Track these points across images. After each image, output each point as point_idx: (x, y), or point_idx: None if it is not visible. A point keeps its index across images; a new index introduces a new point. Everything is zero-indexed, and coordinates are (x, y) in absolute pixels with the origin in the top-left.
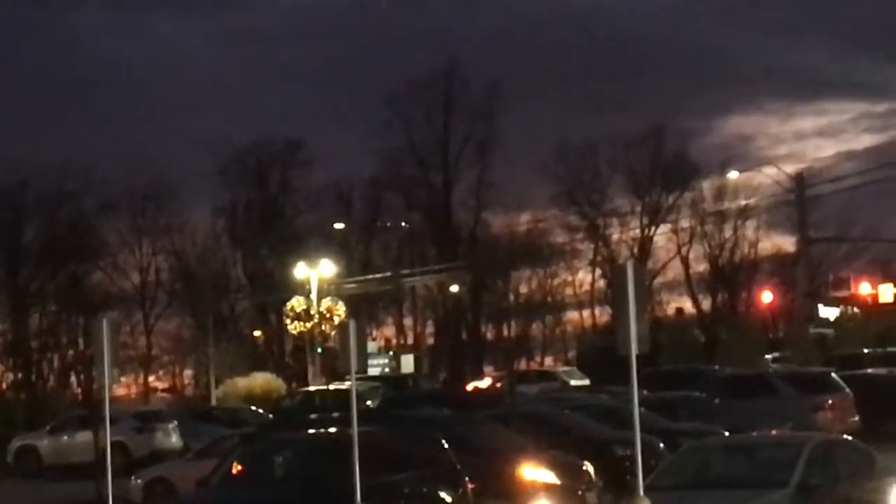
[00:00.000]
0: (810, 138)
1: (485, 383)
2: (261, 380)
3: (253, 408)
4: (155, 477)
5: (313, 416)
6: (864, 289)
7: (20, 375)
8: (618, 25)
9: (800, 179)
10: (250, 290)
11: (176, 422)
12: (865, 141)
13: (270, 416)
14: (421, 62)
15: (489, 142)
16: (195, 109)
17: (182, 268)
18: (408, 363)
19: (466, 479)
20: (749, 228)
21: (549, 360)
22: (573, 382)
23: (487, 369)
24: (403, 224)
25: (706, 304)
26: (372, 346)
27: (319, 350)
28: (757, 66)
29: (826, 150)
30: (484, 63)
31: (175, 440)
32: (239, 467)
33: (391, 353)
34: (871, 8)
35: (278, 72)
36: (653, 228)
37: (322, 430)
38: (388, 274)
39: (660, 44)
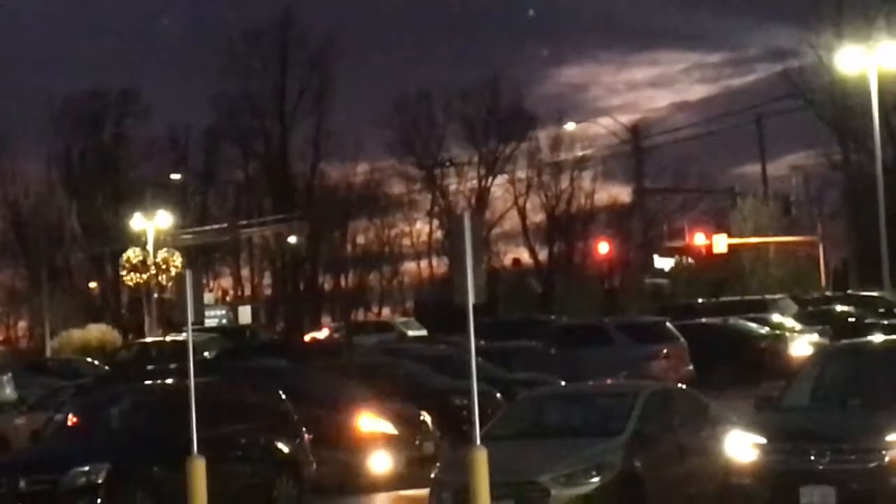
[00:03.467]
0: (644, 89)
1: (322, 334)
2: (96, 331)
3: (89, 360)
4: None
5: (150, 367)
6: (699, 239)
7: None
8: None
9: (635, 130)
10: (85, 241)
11: (10, 374)
12: (698, 92)
13: (107, 367)
14: (257, 11)
15: (326, 92)
16: (29, 61)
17: (15, 218)
18: (245, 314)
19: (304, 430)
20: (585, 179)
21: (386, 311)
22: (411, 333)
23: (325, 320)
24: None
25: (543, 254)
26: (209, 298)
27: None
28: (589, 16)
29: (660, 100)
30: (320, 12)
31: (9, 392)
32: (74, 419)
33: (228, 304)
34: None
35: (113, 22)
36: (490, 179)
37: (158, 382)
38: (225, 225)
39: None
